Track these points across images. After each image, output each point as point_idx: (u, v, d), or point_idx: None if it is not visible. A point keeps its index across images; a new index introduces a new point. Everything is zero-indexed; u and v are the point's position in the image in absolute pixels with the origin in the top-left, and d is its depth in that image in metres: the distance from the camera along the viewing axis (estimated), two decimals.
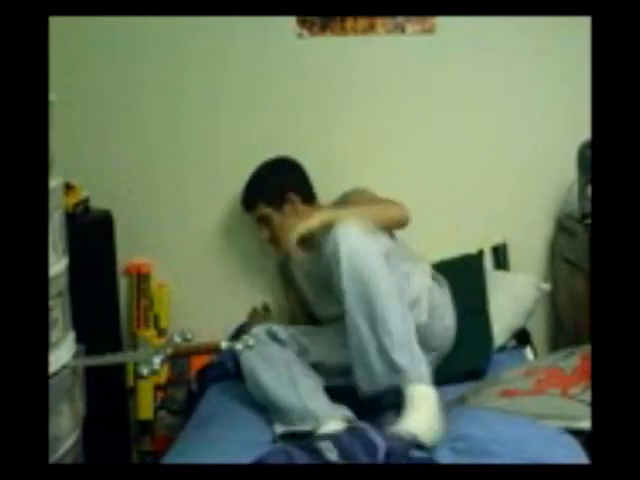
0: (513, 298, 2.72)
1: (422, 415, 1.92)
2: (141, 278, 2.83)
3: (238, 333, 2.66)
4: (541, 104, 2.86)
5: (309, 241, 2.26)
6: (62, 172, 1.90)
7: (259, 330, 2.32)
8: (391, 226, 2.39)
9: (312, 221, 2.19)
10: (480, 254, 2.79)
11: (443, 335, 2.37)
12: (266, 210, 2.59)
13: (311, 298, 2.62)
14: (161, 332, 2.83)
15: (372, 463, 1.78)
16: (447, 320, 2.40)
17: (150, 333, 2.81)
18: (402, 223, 2.37)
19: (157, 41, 2.84)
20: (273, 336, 2.31)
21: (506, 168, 2.88)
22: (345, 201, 2.51)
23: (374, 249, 2.07)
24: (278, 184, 2.60)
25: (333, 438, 1.89)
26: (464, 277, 2.61)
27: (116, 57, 2.85)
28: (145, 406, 2.79)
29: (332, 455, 1.84)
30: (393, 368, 1.99)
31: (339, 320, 2.16)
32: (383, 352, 2.00)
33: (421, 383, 1.98)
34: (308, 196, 2.64)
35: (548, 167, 2.86)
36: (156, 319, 2.84)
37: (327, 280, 2.18)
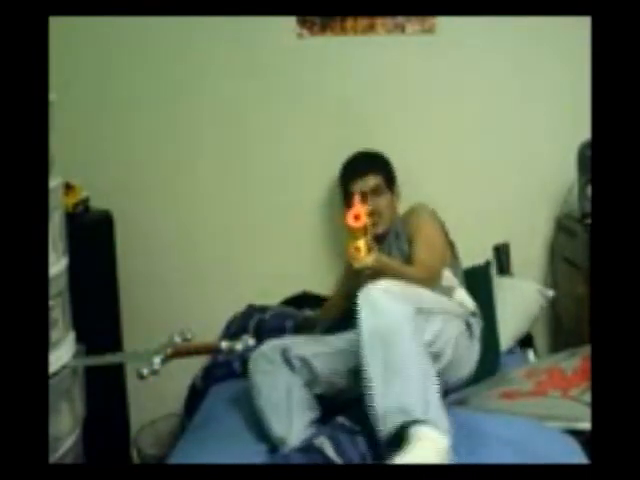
0: (519, 306, 2.69)
1: (419, 459, 1.77)
2: None
3: (229, 327, 2.66)
4: (541, 104, 2.86)
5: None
6: (62, 172, 1.89)
7: (273, 351, 2.25)
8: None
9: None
10: (487, 265, 2.76)
11: (454, 383, 2.26)
12: (381, 183, 2.55)
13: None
14: None
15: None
16: (464, 371, 2.29)
17: None
18: (426, 284, 2.26)
19: (157, 41, 2.84)
20: (287, 360, 2.23)
21: (506, 168, 2.88)
22: (405, 219, 2.52)
23: (396, 309, 1.96)
24: (394, 171, 2.63)
25: (329, 435, 1.92)
26: (472, 287, 2.51)
27: (116, 57, 2.85)
28: None
29: (329, 450, 1.86)
30: (401, 411, 1.85)
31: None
32: (391, 397, 1.87)
33: (431, 427, 1.83)
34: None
35: (548, 167, 2.86)
36: None
37: None
